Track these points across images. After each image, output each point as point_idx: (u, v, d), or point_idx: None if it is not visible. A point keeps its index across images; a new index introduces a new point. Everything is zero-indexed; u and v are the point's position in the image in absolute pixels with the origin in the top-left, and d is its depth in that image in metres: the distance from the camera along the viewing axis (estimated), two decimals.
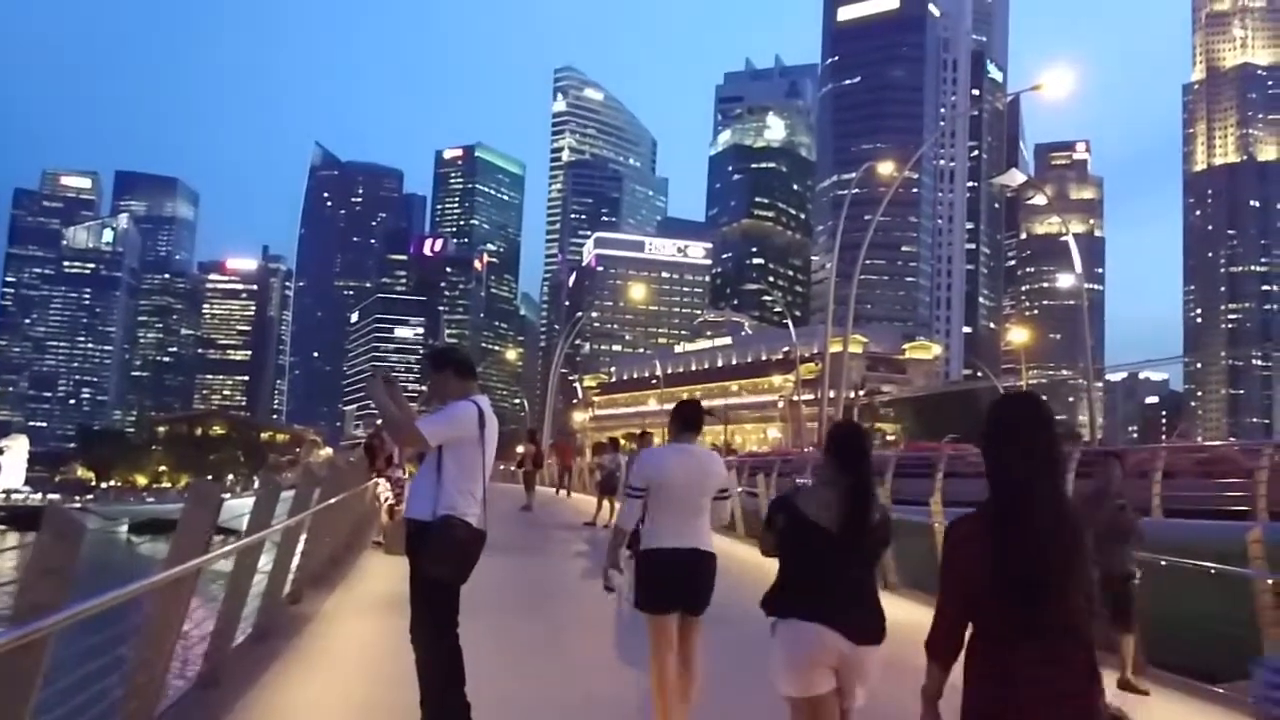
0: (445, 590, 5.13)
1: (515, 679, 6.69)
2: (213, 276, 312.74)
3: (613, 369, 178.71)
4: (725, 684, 6.18)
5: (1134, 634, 7.26)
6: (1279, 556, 7.11)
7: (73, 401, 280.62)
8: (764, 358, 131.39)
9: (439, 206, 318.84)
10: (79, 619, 3.25)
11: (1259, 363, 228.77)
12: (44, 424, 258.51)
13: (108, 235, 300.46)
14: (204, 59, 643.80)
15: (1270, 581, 6.84)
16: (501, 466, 42.29)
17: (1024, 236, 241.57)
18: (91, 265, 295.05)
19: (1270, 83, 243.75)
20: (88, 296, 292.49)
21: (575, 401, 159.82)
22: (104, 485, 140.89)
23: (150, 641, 4.89)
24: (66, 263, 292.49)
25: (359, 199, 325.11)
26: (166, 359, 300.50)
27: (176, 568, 4.70)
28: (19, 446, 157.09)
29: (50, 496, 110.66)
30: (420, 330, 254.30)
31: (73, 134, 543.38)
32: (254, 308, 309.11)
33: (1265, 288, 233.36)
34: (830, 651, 3.79)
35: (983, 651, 2.80)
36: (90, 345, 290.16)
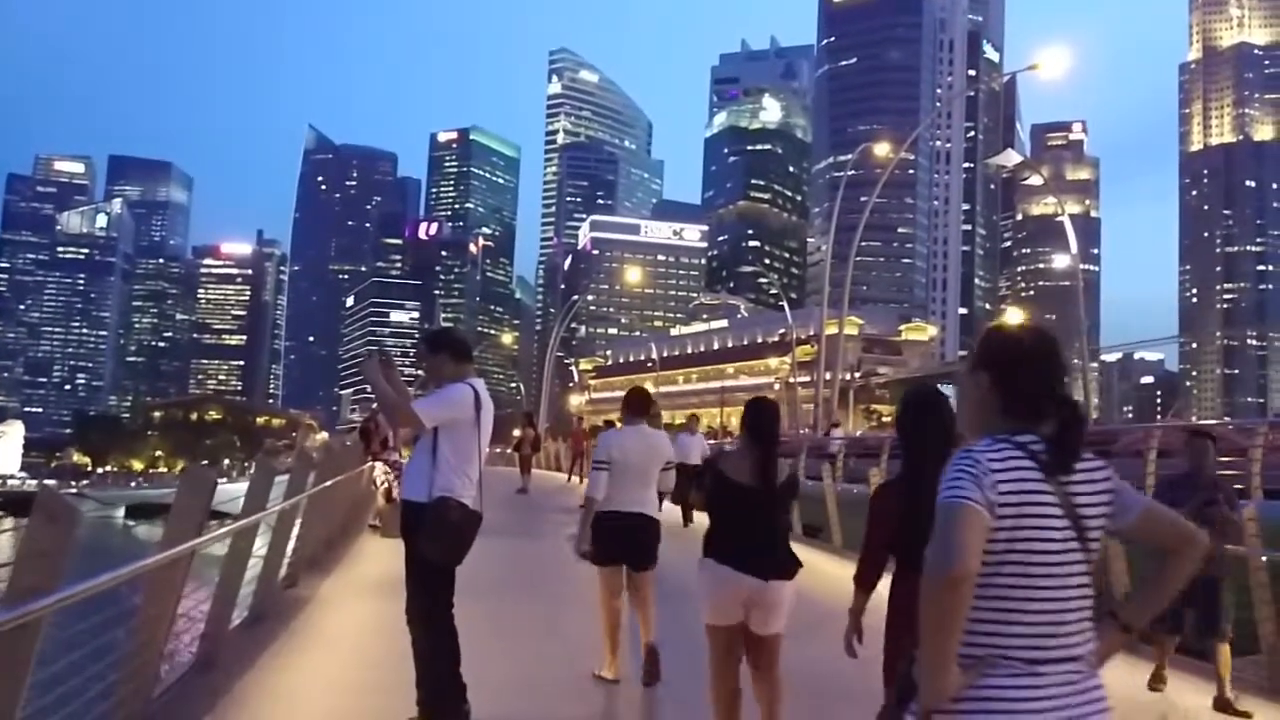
0: (441, 571, 5.14)
1: (511, 659, 6.70)
2: (207, 261, 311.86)
3: (609, 352, 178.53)
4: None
5: (1227, 644, 6.44)
6: (1273, 534, 7.12)
7: (68, 387, 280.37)
8: (760, 340, 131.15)
9: (434, 190, 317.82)
10: (73, 602, 3.23)
11: (1254, 343, 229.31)
12: (39, 410, 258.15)
13: (101, 220, 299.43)
14: (197, 42, 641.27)
15: (1264, 559, 6.85)
16: (498, 450, 42.36)
17: (1020, 217, 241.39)
18: (85, 250, 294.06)
19: (1267, 62, 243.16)
20: (82, 282, 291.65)
21: (571, 385, 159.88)
22: (100, 470, 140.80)
23: (145, 624, 4.89)
24: (60, 248, 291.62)
25: (353, 182, 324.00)
26: (161, 344, 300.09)
27: (170, 550, 4.69)
28: (14, 432, 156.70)
29: (46, 482, 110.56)
30: (415, 314, 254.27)
31: (66, 119, 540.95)
32: (249, 292, 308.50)
33: (1260, 268, 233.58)
34: (740, 590, 4.58)
35: (899, 585, 3.79)
36: (85, 331, 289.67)
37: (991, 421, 2.25)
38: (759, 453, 4.77)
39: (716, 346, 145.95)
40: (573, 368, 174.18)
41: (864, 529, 4.07)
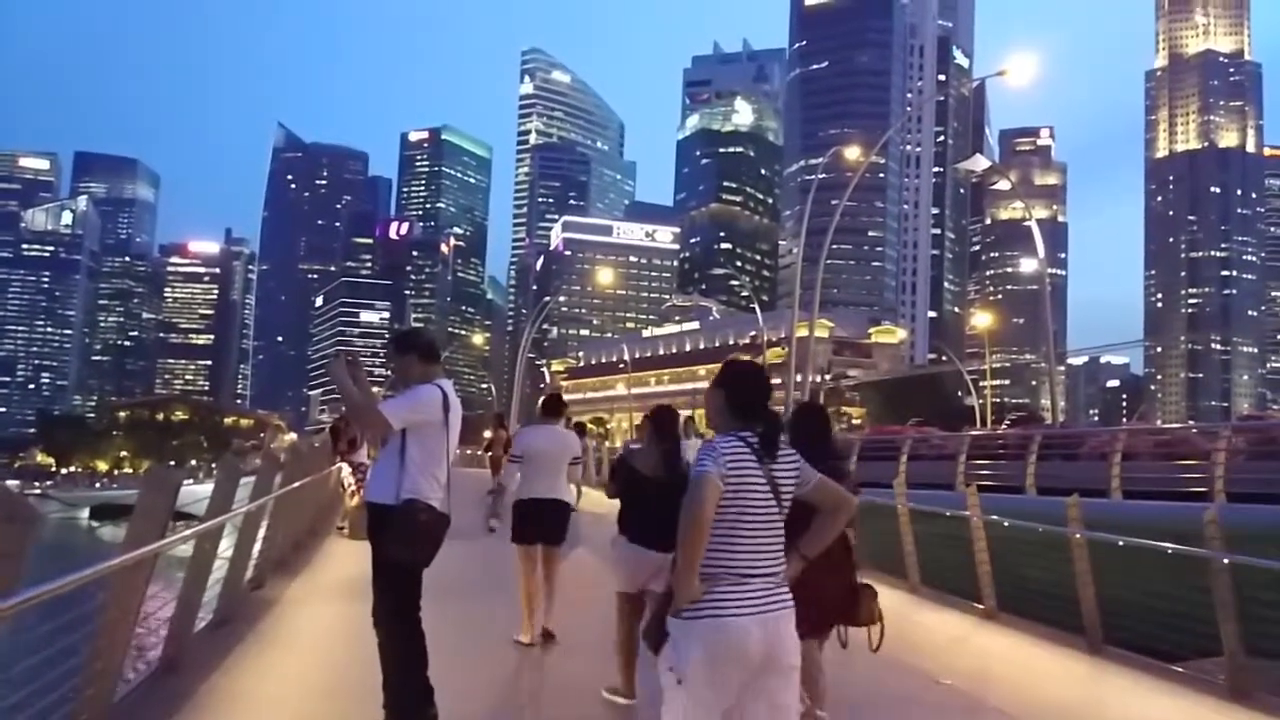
0: (408, 574, 5.10)
1: (478, 663, 6.68)
2: (174, 259, 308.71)
3: (580, 353, 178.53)
4: None
5: None
6: (1235, 537, 7.21)
7: (32, 386, 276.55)
8: (731, 342, 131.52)
9: (405, 189, 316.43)
10: (33, 604, 3.18)
11: (1218, 347, 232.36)
12: (3, 409, 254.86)
13: (67, 217, 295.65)
14: (165, 37, 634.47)
15: (1226, 561, 6.94)
16: (468, 451, 42.24)
17: (988, 222, 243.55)
18: (50, 248, 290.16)
19: (1232, 70, 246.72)
20: (47, 280, 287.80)
21: (543, 386, 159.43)
22: (64, 471, 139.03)
23: (108, 627, 4.82)
24: (25, 245, 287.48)
25: (323, 181, 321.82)
26: (127, 343, 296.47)
27: (133, 552, 4.64)
28: None
29: (9, 483, 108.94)
30: (386, 314, 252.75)
31: (30, 114, 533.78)
32: (217, 291, 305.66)
33: (1224, 273, 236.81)
34: (649, 562, 5.44)
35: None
36: (50, 329, 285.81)
37: (727, 423, 3.49)
38: (663, 450, 5.68)
39: (688, 348, 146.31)
40: (544, 369, 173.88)
41: None
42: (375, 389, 5.62)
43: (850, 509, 3.71)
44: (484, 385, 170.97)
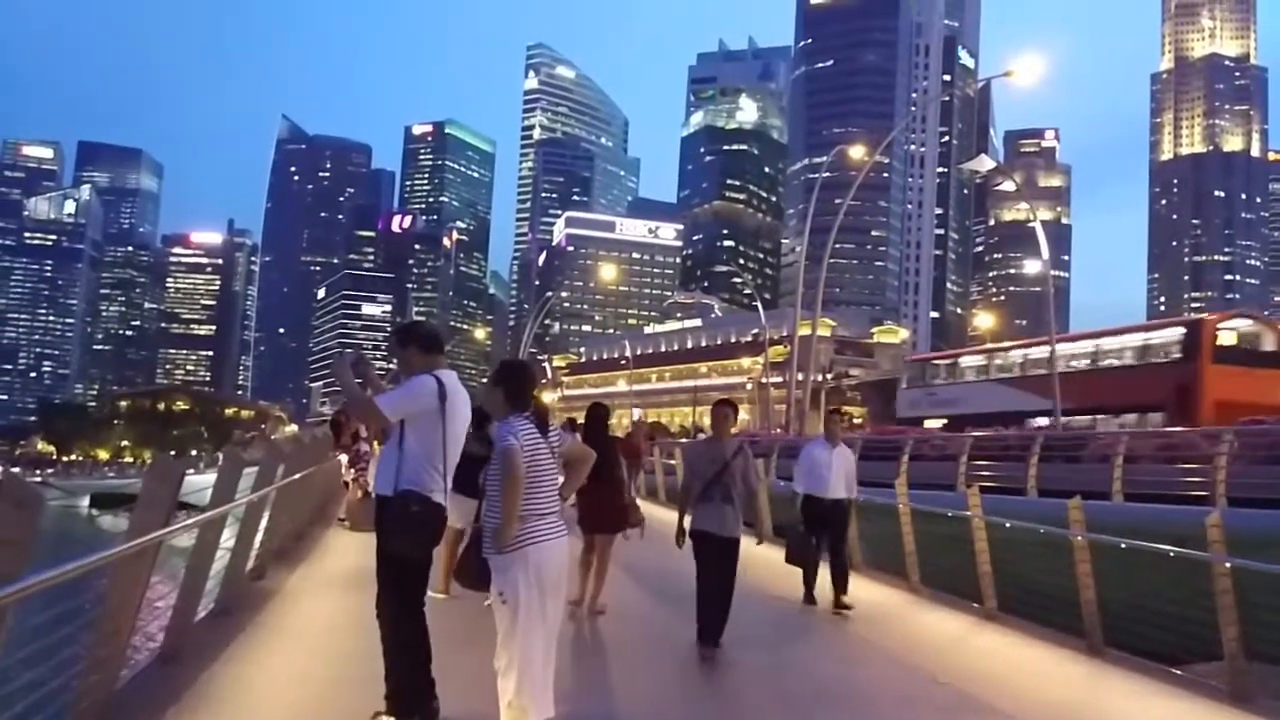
0: (413, 566, 5.10)
1: (481, 656, 6.67)
2: (177, 250, 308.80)
3: (582, 349, 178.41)
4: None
5: None
6: (1237, 541, 7.19)
7: (33, 375, 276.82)
8: (733, 340, 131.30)
9: (408, 183, 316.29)
10: (37, 590, 3.16)
11: None
12: (4, 397, 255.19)
13: (70, 206, 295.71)
14: (169, 28, 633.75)
15: (1228, 565, 6.92)
16: None
17: (992, 223, 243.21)
18: (53, 237, 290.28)
19: (1237, 74, 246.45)
20: (49, 268, 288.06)
21: (544, 382, 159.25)
22: (65, 459, 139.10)
23: (110, 615, 4.82)
24: (28, 234, 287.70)
25: (326, 174, 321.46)
26: (129, 333, 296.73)
27: (136, 540, 4.64)
28: None
29: (10, 470, 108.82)
30: (388, 308, 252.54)
31: (35, 103, 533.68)
32: (219, 282, 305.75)
33: (1227, 277, 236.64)
34: (469, 507, 5.65)
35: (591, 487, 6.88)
36: (51, 318, 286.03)
37: (506, 410, 4.73)
38: (486, 435, 6.42)
39: (690, 345, 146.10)
40: (546, 364, 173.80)
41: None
42: (382, 383, 5.63)
43: (589, 460, 5.16)
44: (485, 380, 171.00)
